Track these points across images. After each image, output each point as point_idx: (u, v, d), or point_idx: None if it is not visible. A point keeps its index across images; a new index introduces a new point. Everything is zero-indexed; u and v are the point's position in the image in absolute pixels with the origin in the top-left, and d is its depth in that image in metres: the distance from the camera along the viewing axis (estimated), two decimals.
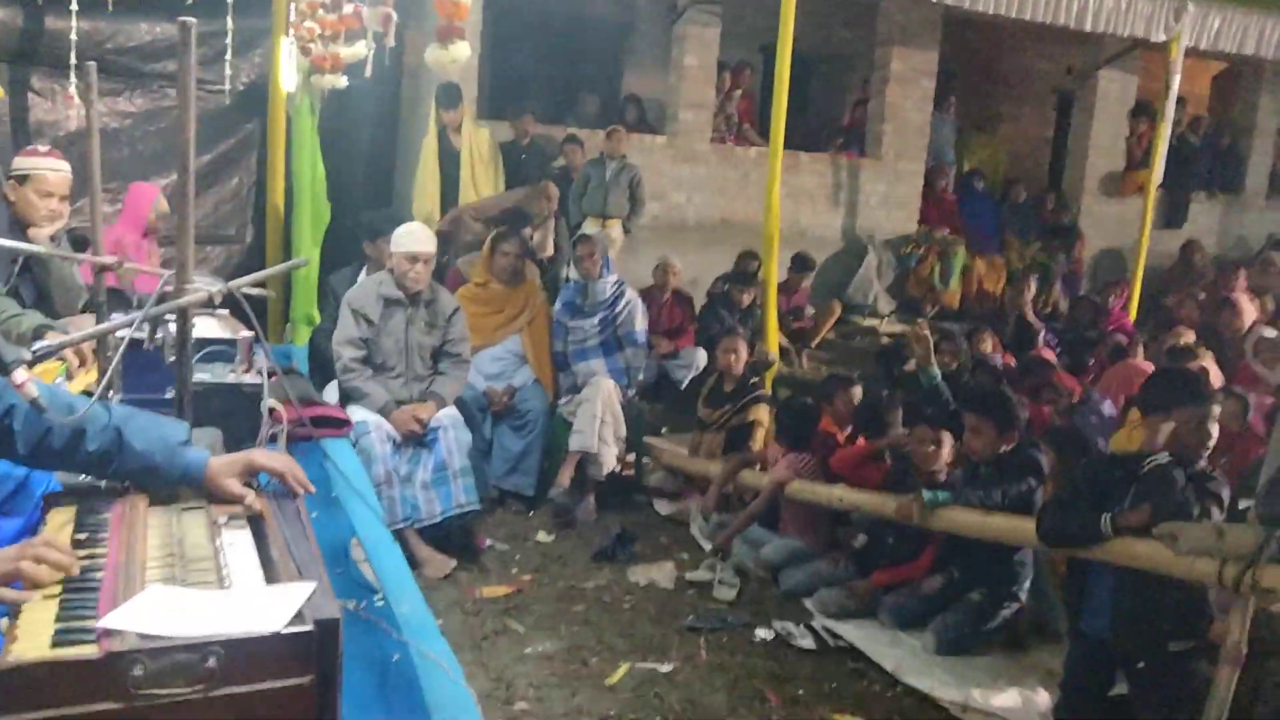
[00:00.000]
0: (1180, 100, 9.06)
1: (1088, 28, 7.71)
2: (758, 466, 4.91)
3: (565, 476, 5.00)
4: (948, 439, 4.04)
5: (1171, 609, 3.05)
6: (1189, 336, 6.74)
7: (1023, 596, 3.89)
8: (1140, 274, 8.63)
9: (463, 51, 3.33)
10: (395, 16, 4.26)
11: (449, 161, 6.87)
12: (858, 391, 4.91)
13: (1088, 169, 10.04)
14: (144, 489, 1.74)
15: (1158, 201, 9.19)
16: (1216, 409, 3.20)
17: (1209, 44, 8.17)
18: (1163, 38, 7.96)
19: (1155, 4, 7.80)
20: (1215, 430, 3.16)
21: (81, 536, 1.57)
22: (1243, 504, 4.02)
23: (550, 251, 6.60)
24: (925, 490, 3.79)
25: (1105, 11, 7.64)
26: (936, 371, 4.34)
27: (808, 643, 3.82)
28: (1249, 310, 7.27)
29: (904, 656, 3.70)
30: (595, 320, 5.44)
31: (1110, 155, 10.12)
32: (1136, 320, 8.38)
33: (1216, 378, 5.83)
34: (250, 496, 1.72)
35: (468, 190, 6.87)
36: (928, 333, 4.43)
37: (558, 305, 5.54)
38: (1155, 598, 3.05)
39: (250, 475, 1.78)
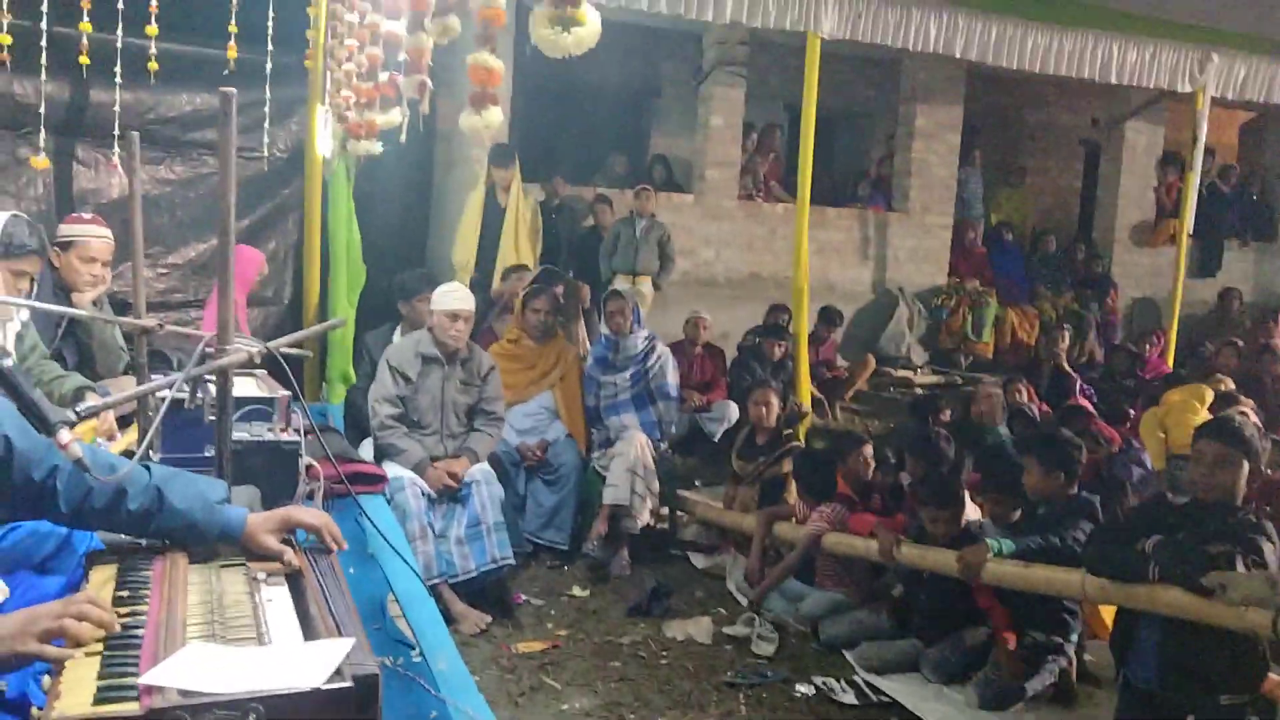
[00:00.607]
0: (1209, 150, 9.04)
1: (1112, 80, 7.73)
2: (792, 520, 4.86)
3: (599, 530, 4.98)
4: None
5: (1222, 660, 2.97)
6: (1228, 384, 6.66)
7: (1069, 649, 3.80)
8: (1176, 322, 8.55)
9: (495, 117, 3.40)
10: (430, 84, 4.35)
11: (493, 218, 7.01)
12: (869, 450, 4.89)
13: (1118, 219, 10.02)
14: (184, 547, 1.76)
15: (1190, 250, 9.14)
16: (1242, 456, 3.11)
17: (1235, 94, 8.17)
18: (1188, 88, 7.97)
19: (1180, 55, 7.82)
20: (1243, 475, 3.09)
21: (123, 594, 1.58)
22: None
23: (586, 348, 6.61)
24: (992, 540, 3.72)
25: (1129, 64, 7.67)
26: (1003, 429, 4.32)
27: (849, 698, 3.75)
28: None
29: (946, 711, 3.62)
30: (627, 375, 5.46)
31: (1140, 205, 10.10)
32: (1174, 368, 8.29)
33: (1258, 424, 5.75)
34: (288, 553, 1.73)
35: (508, 249, 7.00)
36: (998, 390, 4.41)
37: (589, 360, 5.57)
38: (1204, 648, 2.97)
39: (287, 531, 1.80)
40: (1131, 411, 6.67)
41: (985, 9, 7.03)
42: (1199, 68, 7.90)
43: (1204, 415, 6.00)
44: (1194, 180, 8.37)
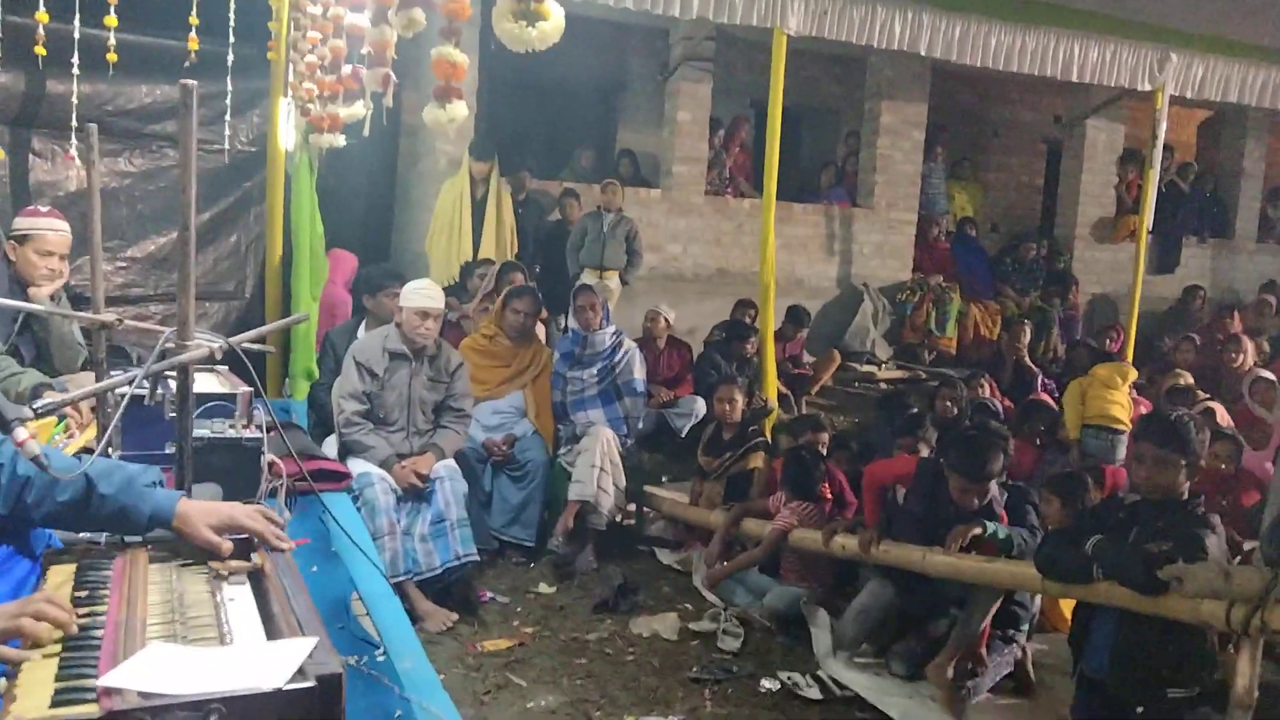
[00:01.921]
0: (1168, 147, 9.18)
1: (1074, 78, 7.82)
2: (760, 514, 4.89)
3: (565, 526, 4.97)
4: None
5: (1170, 653, 3.01)
6: (1187, 378, 6.78)
7: (1021, 639, 3.86)
8: (1135, 318, 8.68)
9: (460, 111, 3.37)
10: (394, 77, 4.31)
11: (474, 211, 6.99)
12: (825, 437, 5.13)
13: (1079, 216, 10.14)
14: (119, 534, 1.75)
15: (1150, 247, 9.27)
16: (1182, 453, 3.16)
17: (1194, 92, 8.29)
18: (1148, 87, 8.08)
19: (1140, 54, 7.92)
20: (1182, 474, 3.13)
21: (81, 594, 1.56)
22: (1247, 545, 4.01)
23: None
24: (987, 522, 3.73)
25: (1091, 63, 7.76)
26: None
27: (814, 692, 3.78)
28: (1250, 350, 7.35)
29: (909, 705, 3.65)
30: (594, 370, 5.46)
31: (1100, 202, 10.23)
32: (1133, 363, 8.41)
33: (1224, 418, 5.86)
34: (226, 545, 1.71)
35: (488, 241, 7.00)
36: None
37: (556, 356, 5.56)
38: (1153, 641, 3.02)
39: (231, 530, 1.76)
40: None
41: (950, 7, 7.09)
42: (1158, 67, 8.01)
43: (1124, 392, 6.29)
44: (1154, 177, 8.49)
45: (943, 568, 3.72)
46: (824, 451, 5.01)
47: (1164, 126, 8.28)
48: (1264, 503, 4.51)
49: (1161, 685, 3.01)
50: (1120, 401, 6.21)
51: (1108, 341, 8.19)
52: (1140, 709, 3.05)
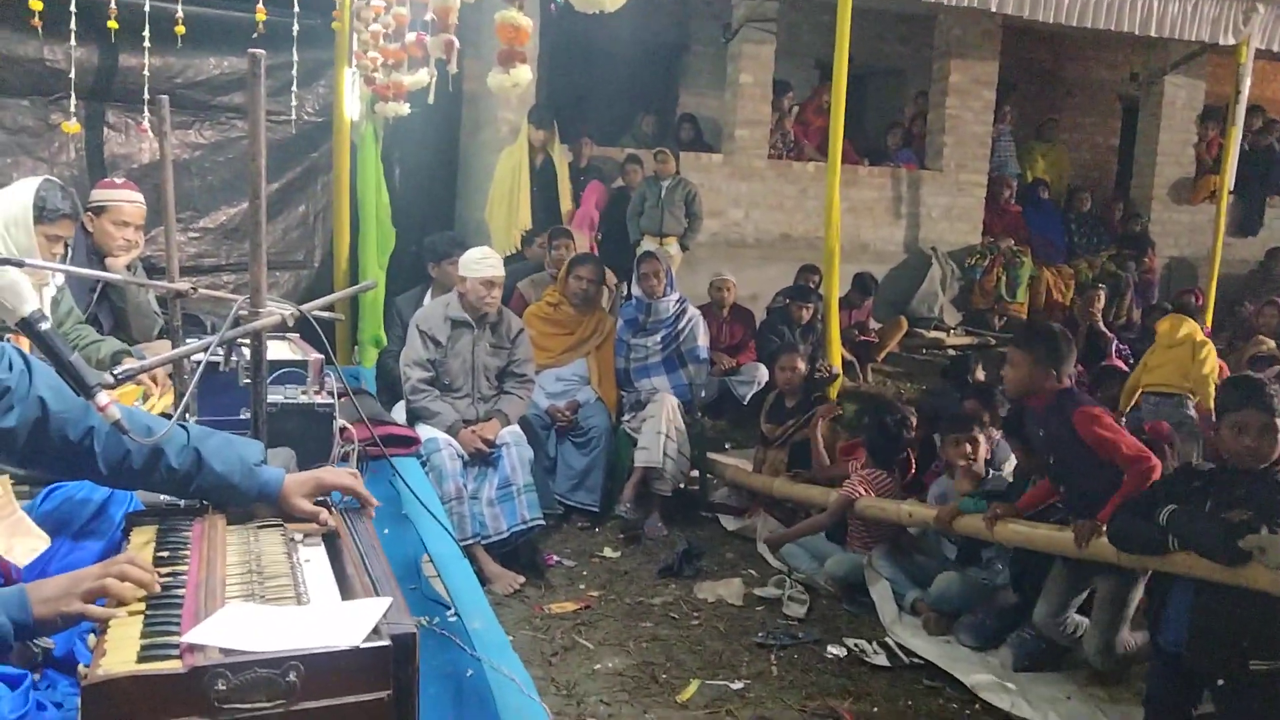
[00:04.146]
0: (1253, 105, 8.82)
1: (1152, 33, 7.54)
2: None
3: (631, 492, 4.99)
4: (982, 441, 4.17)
5: (1251, 625, 2.93)
6: (1269, 344, 6.55)
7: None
8: (1214, 282, 8.40)
9: (524, 76, 3.37)
10: (458, 43, 4.31)
11: (546, 178, 7.00)
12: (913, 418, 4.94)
13: (1156, 177, 9.83)
14: (221, 507, 1.77)
15: (1231, 208, 8.95)
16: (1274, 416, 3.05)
17: None
18: (1231, 41, 7.76)
19: (1223, 6, 7.61)
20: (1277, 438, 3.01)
21: (163, 554, 1.60)
22: None
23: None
24: (965, 499, 3.81)
25: (1170, 16, 7.47)
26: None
27: (881, 659, 3.75)
28: None
29: (981, 673, 3.61)
30: (658, 338, 5.44)
31: (1179, 162, 9.90)
32: (1213, 328, 8.15)
33: None
34: (323, 514, 1.74)
35: (565, 205, 7.05)
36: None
37: (619, 323, 5.55)
38: (1233, 613, 2.93)
39: (321, 493, 1.80)
40: None
41: None
42: (1244, 19, 7.69)
43: (1184, 349, 5.82)
44: (1236, 136, 8.18)
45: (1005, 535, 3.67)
46: (913, 427, 4.89)
47: (1248, 82, 7.96)
48: None
49: (1243, 657, 2.93)
50: (1176, 361, 5.79)
51: (1186, 307, 7.95)
52: (1220, 682, 2.98)
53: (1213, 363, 5.83)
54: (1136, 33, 7.51)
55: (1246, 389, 3.09)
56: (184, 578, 1.50)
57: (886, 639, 3.90)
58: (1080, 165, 11.06)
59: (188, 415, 2.47)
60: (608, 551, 4.76)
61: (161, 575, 1.48)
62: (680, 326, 5.48)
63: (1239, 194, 9.37)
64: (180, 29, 4.79)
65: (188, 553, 1.60)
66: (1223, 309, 8.67)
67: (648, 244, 7.07)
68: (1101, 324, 7.66)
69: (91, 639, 1.37)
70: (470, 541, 4.13)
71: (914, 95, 9.79)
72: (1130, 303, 8.84)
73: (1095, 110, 11.28)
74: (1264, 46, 7.89)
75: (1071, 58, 10.86)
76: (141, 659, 1.24)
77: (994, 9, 6.98)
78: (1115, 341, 7.46)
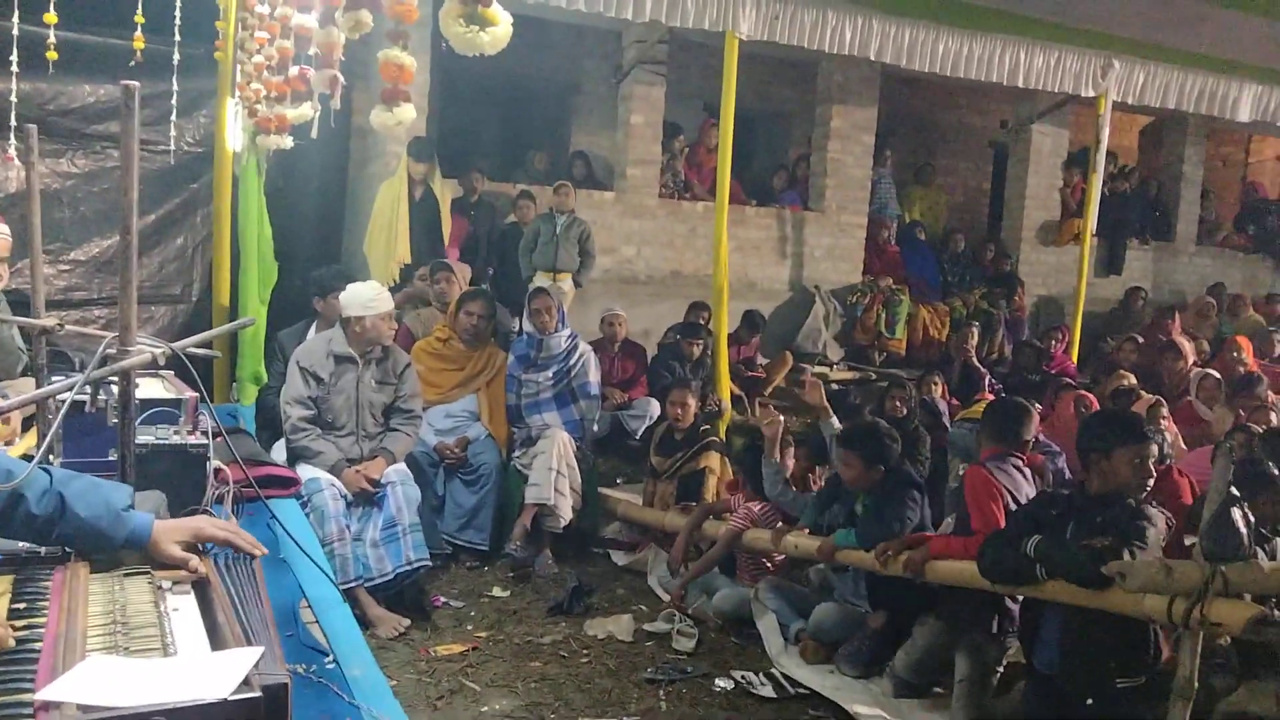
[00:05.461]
0: (1111, 152, 9.38)
1: (1020, 84, 7.96)
2: (724, 516, 4.90)
3: (522, 529, 4.95)
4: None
5: (1117, 645, 3.08)
6: (1130, 379, 6.91)
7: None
8: (1079, 319, 8.84)
9: (408, 114, 3.34)
10: (342, 79, 4.25)
11: (428, 211, 6.92)
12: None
13: (1025, 219, 10.32)
14: (85, 555, 1.70)
15: (1093, 249, 9.46)
16: (1154, 448, 3.27)
17: (1135, 98, 8.48)
18: (1091, 93, 8.25)
19: (1083, 61, 8.08)
20: (1152, 468, 3.21)
21: (19, 606, 1.53)
22: (1188, 541, 4.10)
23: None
24: (840, 531, 3.98)
25: (1036, 69, 7.90)
26: (835, 422, 4.79)
27: (768, 691, 3.80)
28: (1189, 352, 7.51)
29: (864, 701, 3.69)
30: (549, 373, 5.44)
31: (1046, 205, 10.42)
32: (1078, 364, 8.58)
33: (1169, 422, 5.96)
34: (194, 561, 1.69)
35: (447, 238, 6.97)
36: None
37: (510, 359, 5.53)
38: (1100, 634, 3.08)
39: (197, 543, 1.75)
40: (1038, 405, 6.86)
41: (899, 13, 7.18)
42: (1101, 73, 8.18)
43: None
44: (1097, 181, 8.67)
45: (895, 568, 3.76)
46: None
47: (1107, 132, 8.46)
48: (1204, 499, 4.61)
49: (1110, 677, 3.08)
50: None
51: (1053, 343, 8.35)
52: (1090, 701, 3.11)
53: None
54: (1005, 83, 7.91)
55: (1132, 424, 3.30)
56: (41, 630, 1.43)
57: (773, 670, 3.96)
58: (954, 208, 11.53)
59: (51, 458, 2.37)
60: (497, 591, 4.71)
61: (16, 629, 1.41)
62: (572, 362, 5.50)
63: (1101, 236, 9.91)
64: (53, 54, 4.62)
65: (46, 603, 1.53)
66: (1087, 345, 9.12)
67: (541, 280, 7.08)
68: (975, 359, 7.99)
69: None
70: (353, 584, 4.04)
71: (799, 139, 10.08)
72: (1002, 339, 9.23)
73: (968, 155, 11.80)
74: (1119, 99, 8.41)
75: (946, 106, 11.36)
76: None
77: (873, 57, 7.27)
78: (988, 376, 7.77)
